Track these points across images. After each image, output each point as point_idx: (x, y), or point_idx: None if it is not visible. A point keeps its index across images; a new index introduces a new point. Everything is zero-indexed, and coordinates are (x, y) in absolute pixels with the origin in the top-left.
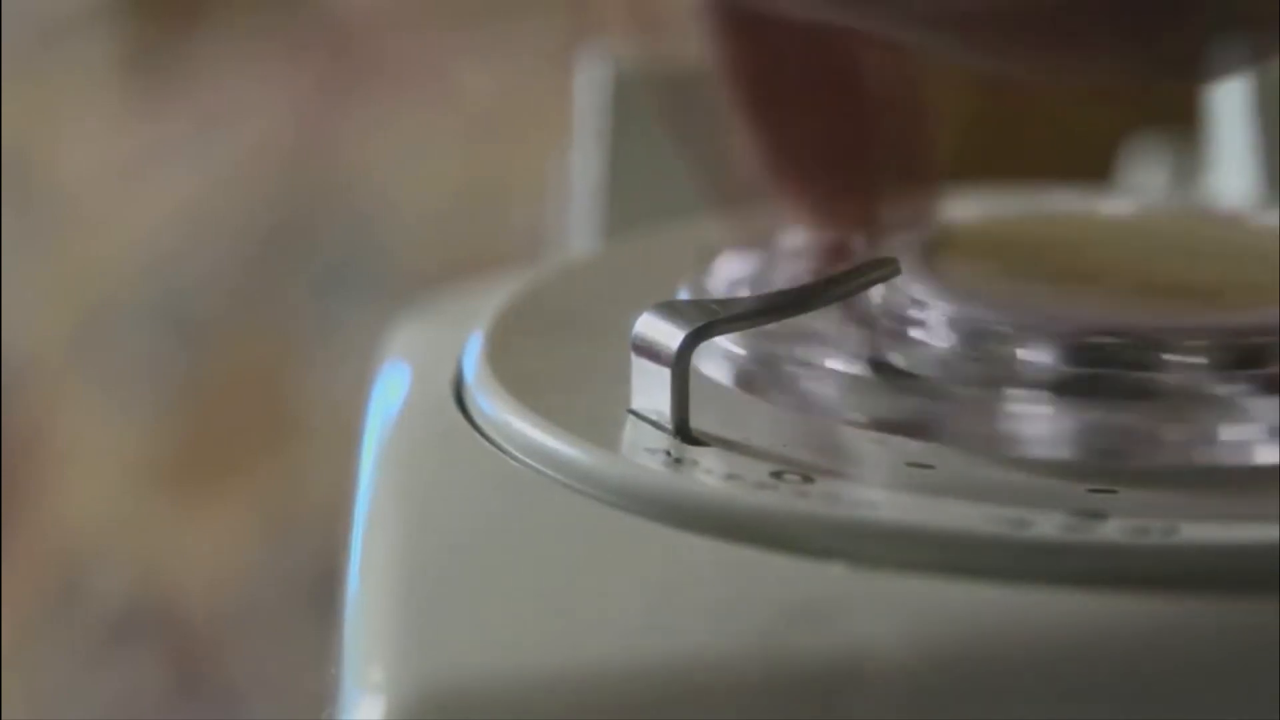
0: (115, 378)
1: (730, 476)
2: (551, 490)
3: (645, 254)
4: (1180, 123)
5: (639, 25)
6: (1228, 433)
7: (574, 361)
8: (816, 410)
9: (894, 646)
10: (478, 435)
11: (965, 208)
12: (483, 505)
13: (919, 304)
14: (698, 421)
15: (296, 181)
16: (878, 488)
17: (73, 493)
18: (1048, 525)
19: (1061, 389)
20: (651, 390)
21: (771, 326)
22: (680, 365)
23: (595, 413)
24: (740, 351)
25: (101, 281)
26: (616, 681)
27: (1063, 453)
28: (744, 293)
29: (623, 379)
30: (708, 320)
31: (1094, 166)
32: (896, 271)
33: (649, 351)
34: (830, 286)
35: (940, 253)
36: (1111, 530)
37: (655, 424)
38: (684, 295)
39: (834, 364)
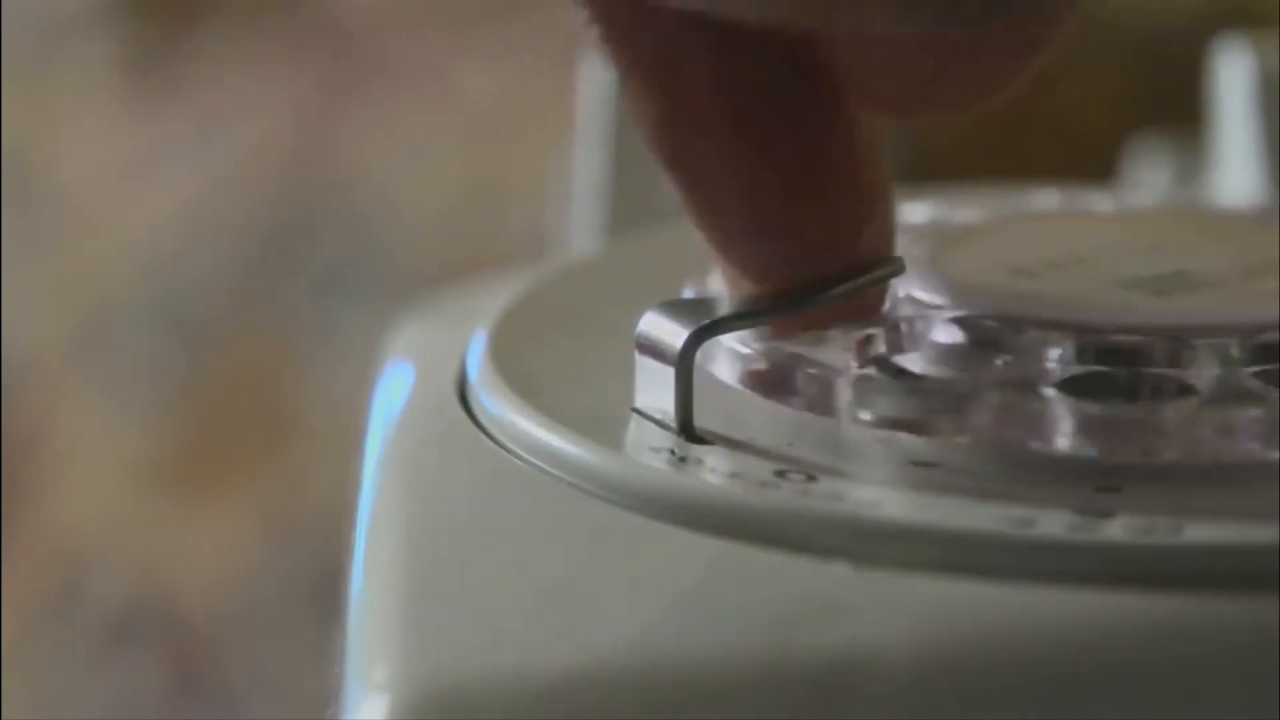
0: (115, 378)
1: (734, 475)
2: (555, 489)
3: (648, 253)
4: (1183, 121)
5: None
6: (1234, 431)
7: (578, 360)
8: (820, 409)
9: (898, 645)
10: (481, 434)
11: (966, 208)
12: (487, 504)
13: (923, 302)
14: (701, 420)
15: (296, 181)
16: (881, 487)
17: (73, 493)
18: (1052, 524)
19: (1065, 387)
20: (655, 389)
21: None
22: (684, 364)
23: (599, 412)
24: (744, 350)
25: (101, 281)
26: (621, 680)
27: (1067, 452)
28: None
29: (626, 378)
30: (711, 319)
31: (1096, 166)
32: (901, 270)
33: (653, 350)
34: (834, 285)
35: (944, 251)
36: (1116, 529)
37: (659, 423)
38: (688, 294)
39: (838, 363)
